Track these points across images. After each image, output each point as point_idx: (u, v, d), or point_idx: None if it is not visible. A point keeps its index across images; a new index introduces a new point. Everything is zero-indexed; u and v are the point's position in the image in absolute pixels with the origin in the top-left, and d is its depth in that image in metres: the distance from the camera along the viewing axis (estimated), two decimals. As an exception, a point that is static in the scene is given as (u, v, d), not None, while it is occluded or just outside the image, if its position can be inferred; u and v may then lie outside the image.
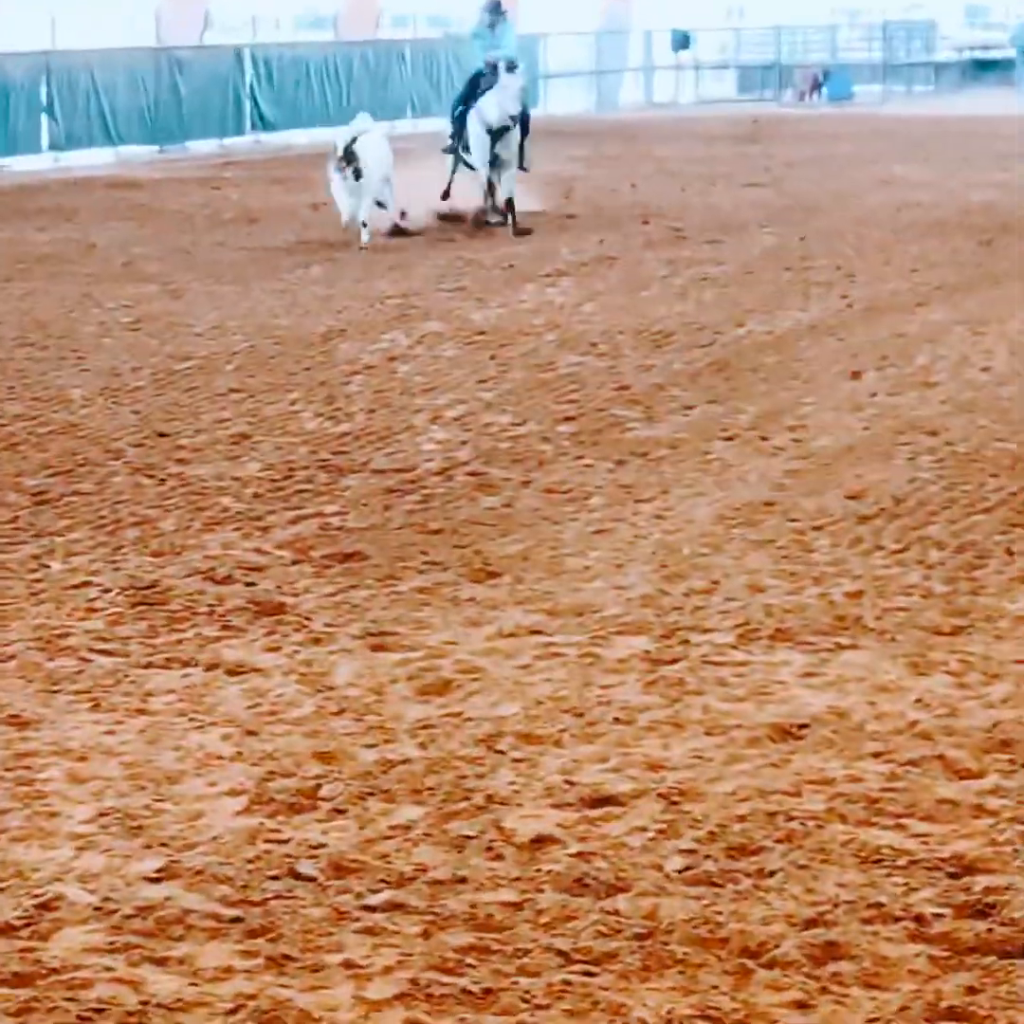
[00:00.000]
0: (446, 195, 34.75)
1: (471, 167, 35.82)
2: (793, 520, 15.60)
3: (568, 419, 18.93)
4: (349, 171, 33.31)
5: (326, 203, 36.16)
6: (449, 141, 34.87)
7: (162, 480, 17.56)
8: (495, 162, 31.71)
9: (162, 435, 18.88)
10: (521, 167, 34.17)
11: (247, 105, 51.54)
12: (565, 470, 16.74)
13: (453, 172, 36.16)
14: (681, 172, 43.25)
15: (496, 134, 30.66)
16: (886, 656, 12.62)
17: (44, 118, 43.67)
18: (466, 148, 34.54)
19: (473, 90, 31.00)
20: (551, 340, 21.26)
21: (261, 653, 12.85)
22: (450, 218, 36.45)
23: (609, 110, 65.32)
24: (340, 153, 33.53)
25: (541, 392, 18.64)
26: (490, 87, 32.28)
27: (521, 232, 32.81)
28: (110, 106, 46.50)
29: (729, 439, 18.39)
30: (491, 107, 29.54)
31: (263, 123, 51.59)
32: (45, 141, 43.94)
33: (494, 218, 33.98)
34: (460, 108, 32.45)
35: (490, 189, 32.67)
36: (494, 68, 32.50)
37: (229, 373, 20.36)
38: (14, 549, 15.38)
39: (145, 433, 19.03)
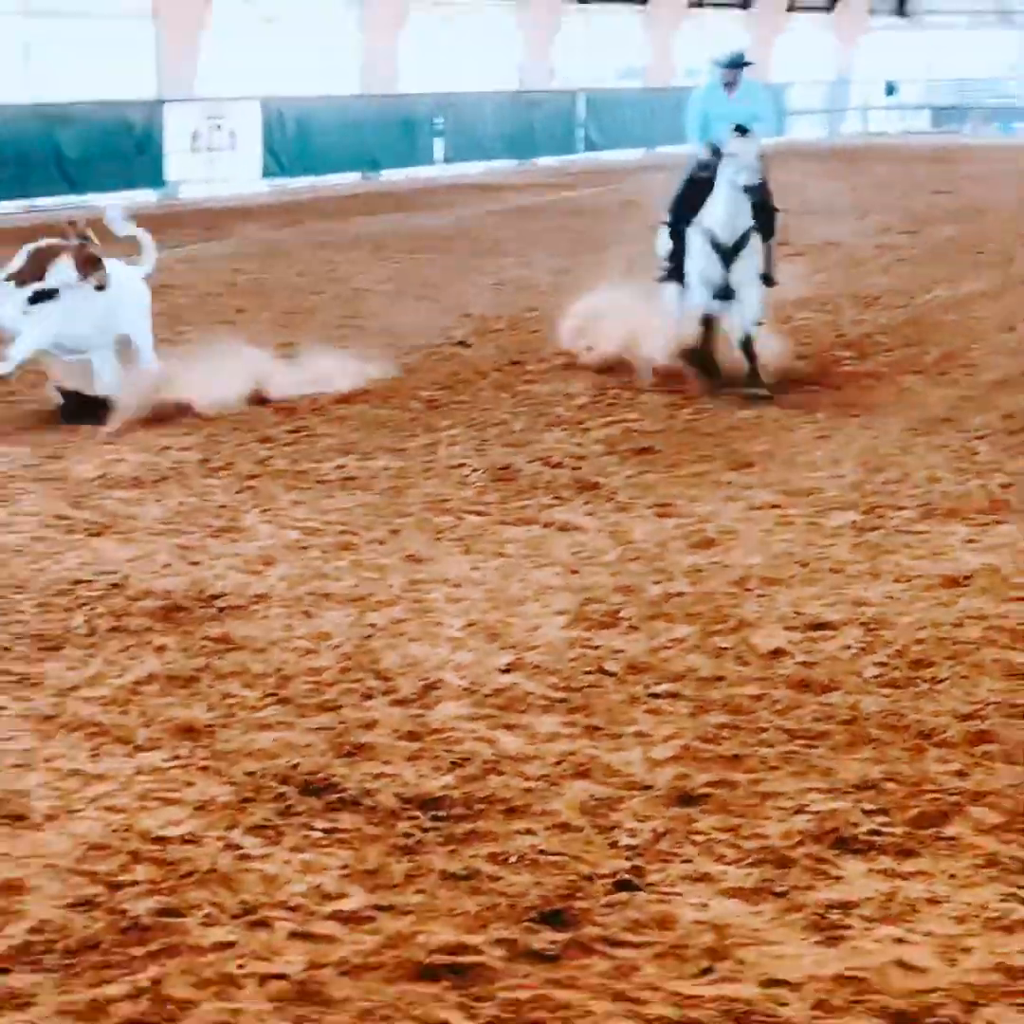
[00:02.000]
0: (686, 353, 17.37)
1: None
2: (962, 431, 15.63)
3: (801, 357, 18.59)
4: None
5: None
6: (665, 266, 17.26)
7: (515, 394, 17.48)
8: (726, 293, 16.01)
9: (514, 363, 18.83)
10: (766, 280, 17.04)
11: (580, 132, 50.62)
12: (798, 393, 16.74)
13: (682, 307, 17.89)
14: (887, 183, 41.96)
15: (729, 252, 15.49)
16: (1027, 530, 11.30)
17: (437, 140, 43.21)
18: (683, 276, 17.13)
19: (695, 192, 15.73)
20: (789, 299, 20.81)
21: (581, 516, 12.85)
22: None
23: (836, 139, 63.61)
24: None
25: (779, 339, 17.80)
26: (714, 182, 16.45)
27: (758, 395, 16.62)
28: (483, 131, 45.88)
29: (917, 373, 18.56)
30: (720, 212, 15.22)
31: (591, 145, 50.71)
32: (438, 155, 43.52)
33: (709, 366, 17.11)
34: (677, 219, 16.20)
35: (707, 329, 16.52)
36: (718, 152, 16.65)
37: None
38: (412, 440, 15.39)
39: (504, 361, 19.01)
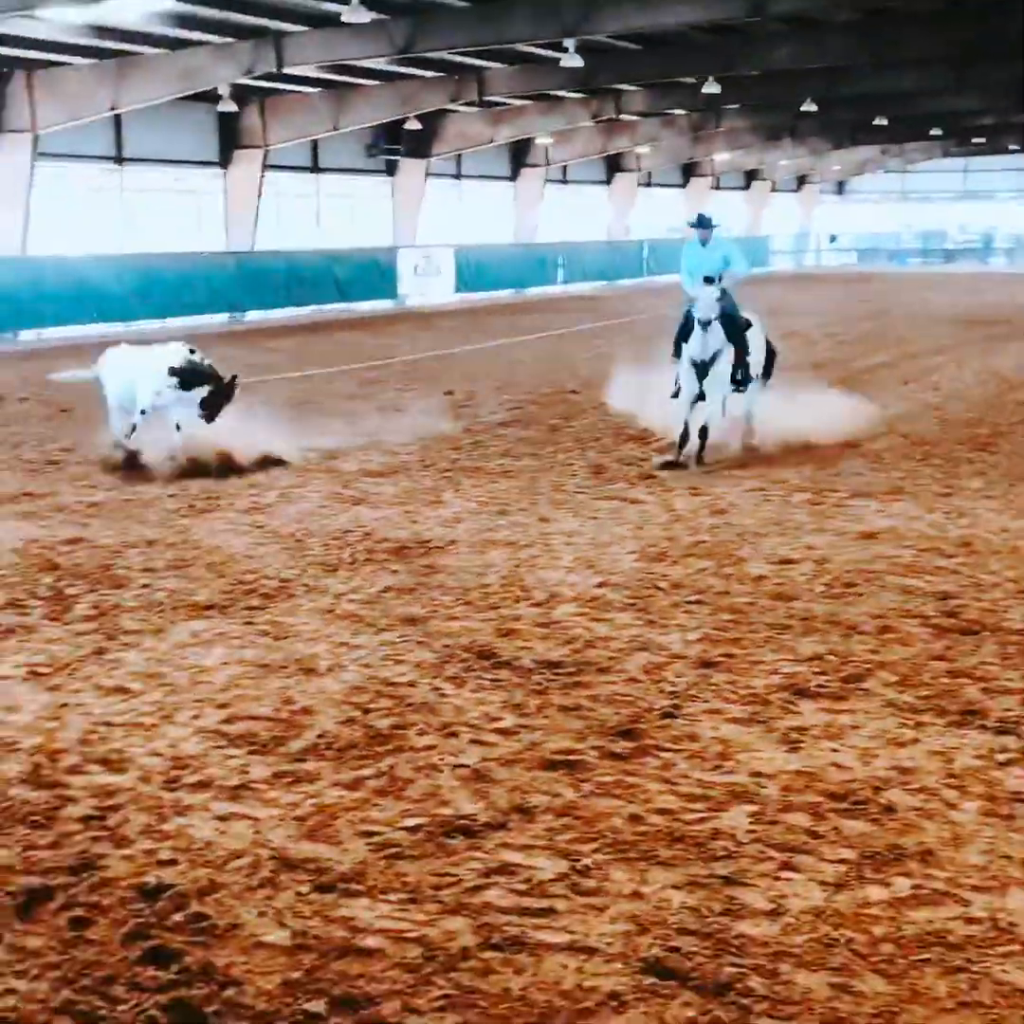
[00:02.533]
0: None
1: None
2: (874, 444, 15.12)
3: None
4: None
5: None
6: (675, 383, 13.97)
7: (604, 421, 16.61)
8: (700, 397, 13.62)
9: (602, 404, 17.64)
10: (741, 383, 13.76)
11: (645, 265, 50.60)
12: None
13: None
14: (830, 295, 41.31)
15: (702, 367, 13.51)
16: None
17: (559, 270, 43.25)
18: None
19: (686, 325, 13.79)
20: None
21: (644, 494, 12.24)
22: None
23: (800, 269, 62.96)
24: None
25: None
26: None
27: (700, 460, 13.39)
28: (587, 266, 49.06)
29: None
30: (695, 344, 13.38)
31: (651, 271, 50.63)
32: (559, 279, 43.56)
33: (679, 455, 13.47)
34: (677, 344, 13.88)
35: (684, 432, 13.39)
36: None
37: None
38: (543, 448, 15.02)
39: (597, 402, 17.76)
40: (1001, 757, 6.37)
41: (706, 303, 13.29)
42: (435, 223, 43.64)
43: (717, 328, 13.36)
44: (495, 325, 32.47)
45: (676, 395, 13.61)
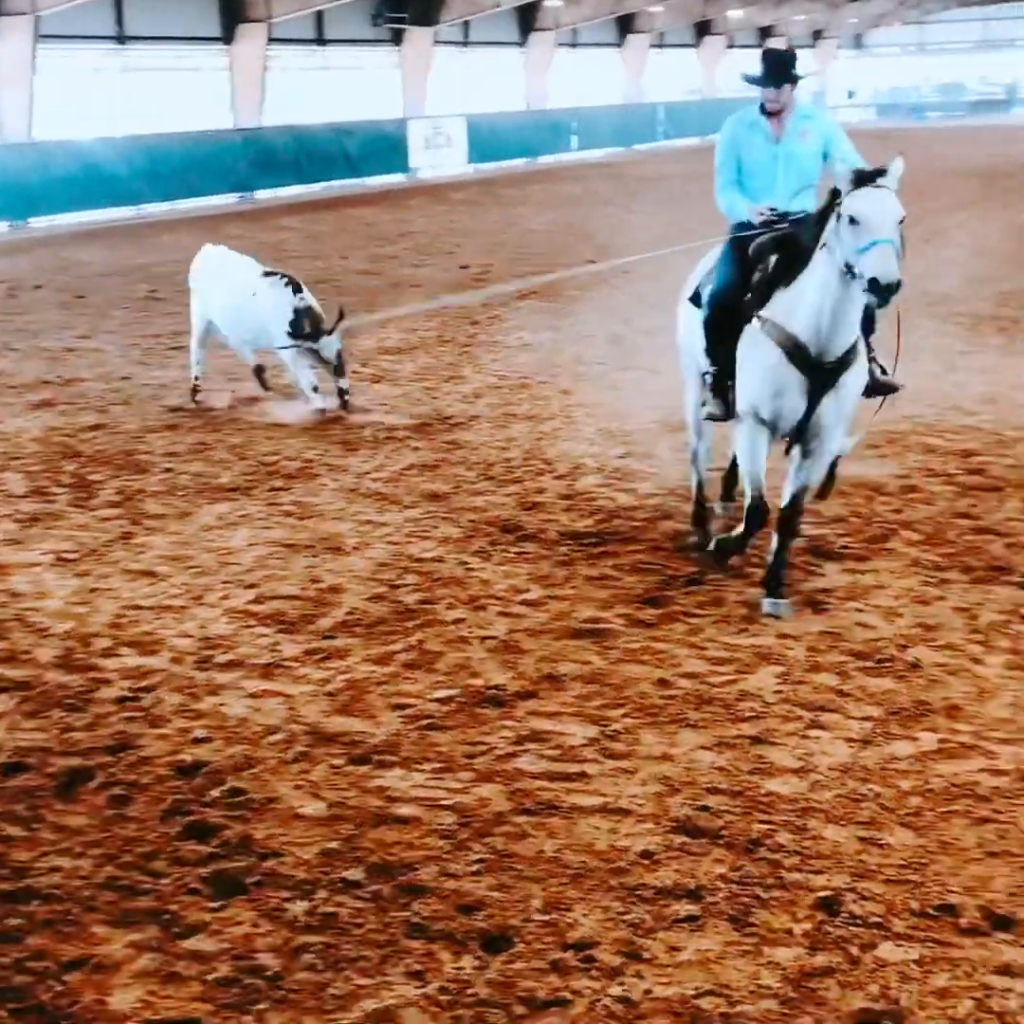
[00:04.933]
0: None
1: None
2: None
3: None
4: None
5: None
6: (708, 377, 6.63)
7: (619, 288, 16.50)
8: (806, 435, 6.12)
9: (626, 272, 17.80)
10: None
11: (660, 129, 49.74)
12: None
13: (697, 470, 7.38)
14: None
15: (827, 373, 5.92)
16: None
17: (573, 137, 42.50)
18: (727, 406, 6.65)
19: (747, 273, 6.24)
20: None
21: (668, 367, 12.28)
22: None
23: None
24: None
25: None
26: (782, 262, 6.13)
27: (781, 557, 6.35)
28: (602, 130, 47.99)
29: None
30: (781, 382, 5.95)
31: (666, 135, 49.78)
32: (573, 146, 42.93)
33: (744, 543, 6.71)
34: (717, 312, 6.42)
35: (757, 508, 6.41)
36: (772, 224, 6.32)
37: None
38: (562, 319, 14.96)
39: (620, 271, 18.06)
40: (1025, 612, 6.89)
41: (881, 257, 5.65)
42: (444, 93, 42.42)
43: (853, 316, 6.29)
44: (509, 196, 31.99)
45: (714, 417, 6.91)
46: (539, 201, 29.77)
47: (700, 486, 7.36)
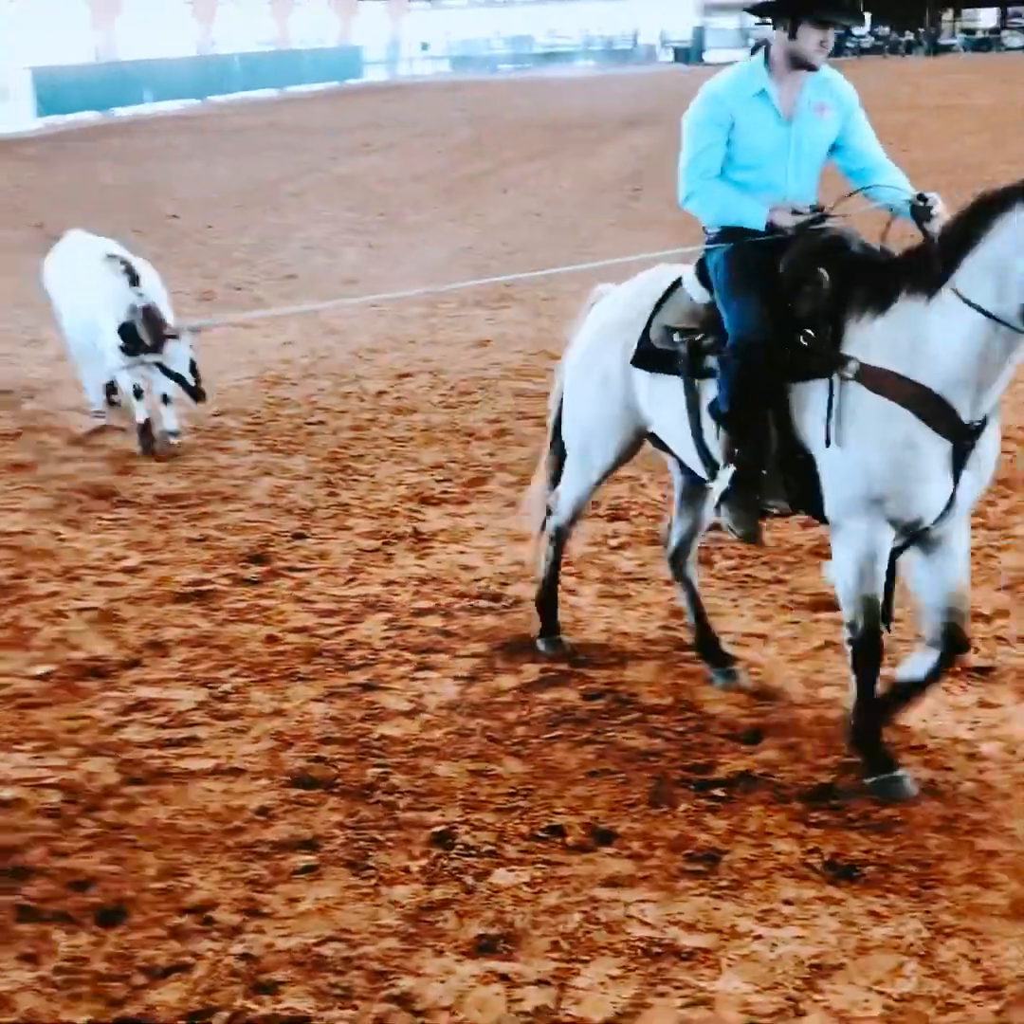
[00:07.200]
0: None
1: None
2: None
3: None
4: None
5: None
6: (725, 479, 4.55)
7: None
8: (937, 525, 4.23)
9: None
10: None
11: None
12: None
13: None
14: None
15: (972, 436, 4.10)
16: None
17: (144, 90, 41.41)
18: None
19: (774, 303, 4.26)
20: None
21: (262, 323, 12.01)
22: None
23: (393, 78, 62.84)
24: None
25: None
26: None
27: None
28: (169, 87, 45.92)
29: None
30: (944, 353, 3.92)
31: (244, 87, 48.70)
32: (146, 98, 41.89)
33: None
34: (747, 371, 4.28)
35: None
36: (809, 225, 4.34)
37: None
38: None
39: None
40: (613, 542, 6.77)
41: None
42: (3, 43, 41.23)
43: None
44: (85, 150, 30.30)
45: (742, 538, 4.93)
46: (116, 156, 28.52)
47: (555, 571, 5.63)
